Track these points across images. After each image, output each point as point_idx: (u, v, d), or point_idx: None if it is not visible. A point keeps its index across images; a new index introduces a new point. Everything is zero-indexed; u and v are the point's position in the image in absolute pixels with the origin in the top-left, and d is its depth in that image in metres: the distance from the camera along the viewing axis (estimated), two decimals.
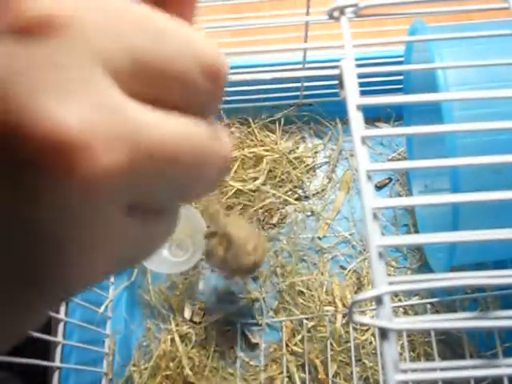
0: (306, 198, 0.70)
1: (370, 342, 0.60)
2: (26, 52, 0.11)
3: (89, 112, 0.11)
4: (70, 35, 0.11)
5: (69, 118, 0.11)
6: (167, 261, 0.65)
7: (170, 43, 0.13)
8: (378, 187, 0.70)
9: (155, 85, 0.13)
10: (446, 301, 0.61)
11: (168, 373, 0.58)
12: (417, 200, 0.24)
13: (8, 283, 0.12)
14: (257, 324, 0.62)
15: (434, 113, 0.49)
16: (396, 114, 0.73)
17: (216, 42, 0.15)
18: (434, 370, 0.22)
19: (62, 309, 0.49)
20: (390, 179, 0.71)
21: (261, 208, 0.68)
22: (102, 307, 0.59)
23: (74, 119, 0.11)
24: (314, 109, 0.73)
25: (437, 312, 0.61)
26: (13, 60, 0.11)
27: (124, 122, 0.12)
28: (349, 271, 0.64)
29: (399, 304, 0.60)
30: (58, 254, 0.12)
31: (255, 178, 0.70)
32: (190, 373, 0.58)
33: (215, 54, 0.14)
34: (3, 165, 0.11)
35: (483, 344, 0.59)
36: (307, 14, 0.55)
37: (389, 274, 0.66)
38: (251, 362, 0.60)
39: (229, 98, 0.70)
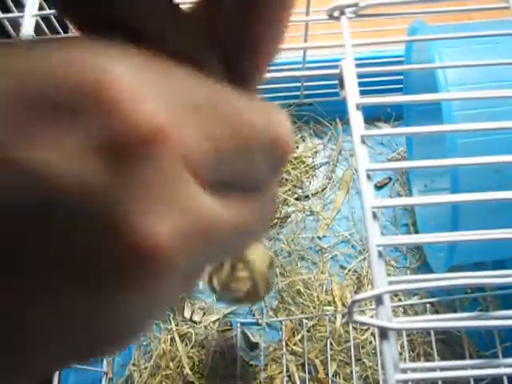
0: (306, 197, 0.70)
1: (370, 342, 0.60)
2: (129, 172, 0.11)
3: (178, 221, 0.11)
4: (168, 148, 0.11)
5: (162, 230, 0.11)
6: None
7: (247, 126, 0.13)
8: (378, 187, 0.70)
9: (229, 169, 0.13)
10: (446, 300, 0.61)
11: (168, 372, 0.58)
12: (416, 200, 0.24)
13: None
14: (256, 323, 0.62)
15: (433, 112, 0.49)
16: (396, 114, 0.73)
17: (286, 116, 0.14)
18: (433, 369, 0.23)
19: None
20: (390, 179, 0.71)
21: None
22: None
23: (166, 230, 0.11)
24: (313, 108, 0.73)
25: (436, 312, 0.61)
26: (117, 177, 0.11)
27: (201, 221, 0.12)
28: (348, 271, 0.64)
29: (399, 304, 0.60)
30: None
31: None
32: (189, 372, 0.58)
33: (288, 134, 0.14)
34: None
35: (483, 343, 0.59)
36: (307, 13, 0.55)
37: (388, 274, 0.66)
38: (251, 362, 0.60)
39: None
